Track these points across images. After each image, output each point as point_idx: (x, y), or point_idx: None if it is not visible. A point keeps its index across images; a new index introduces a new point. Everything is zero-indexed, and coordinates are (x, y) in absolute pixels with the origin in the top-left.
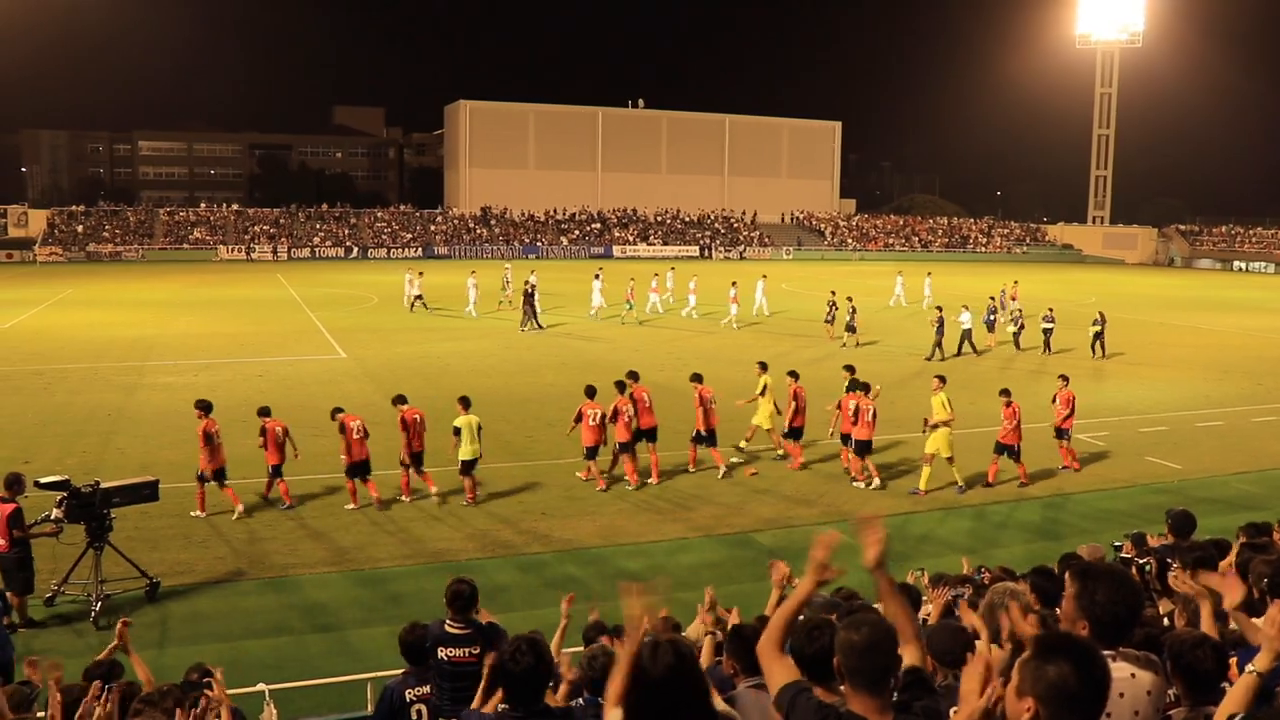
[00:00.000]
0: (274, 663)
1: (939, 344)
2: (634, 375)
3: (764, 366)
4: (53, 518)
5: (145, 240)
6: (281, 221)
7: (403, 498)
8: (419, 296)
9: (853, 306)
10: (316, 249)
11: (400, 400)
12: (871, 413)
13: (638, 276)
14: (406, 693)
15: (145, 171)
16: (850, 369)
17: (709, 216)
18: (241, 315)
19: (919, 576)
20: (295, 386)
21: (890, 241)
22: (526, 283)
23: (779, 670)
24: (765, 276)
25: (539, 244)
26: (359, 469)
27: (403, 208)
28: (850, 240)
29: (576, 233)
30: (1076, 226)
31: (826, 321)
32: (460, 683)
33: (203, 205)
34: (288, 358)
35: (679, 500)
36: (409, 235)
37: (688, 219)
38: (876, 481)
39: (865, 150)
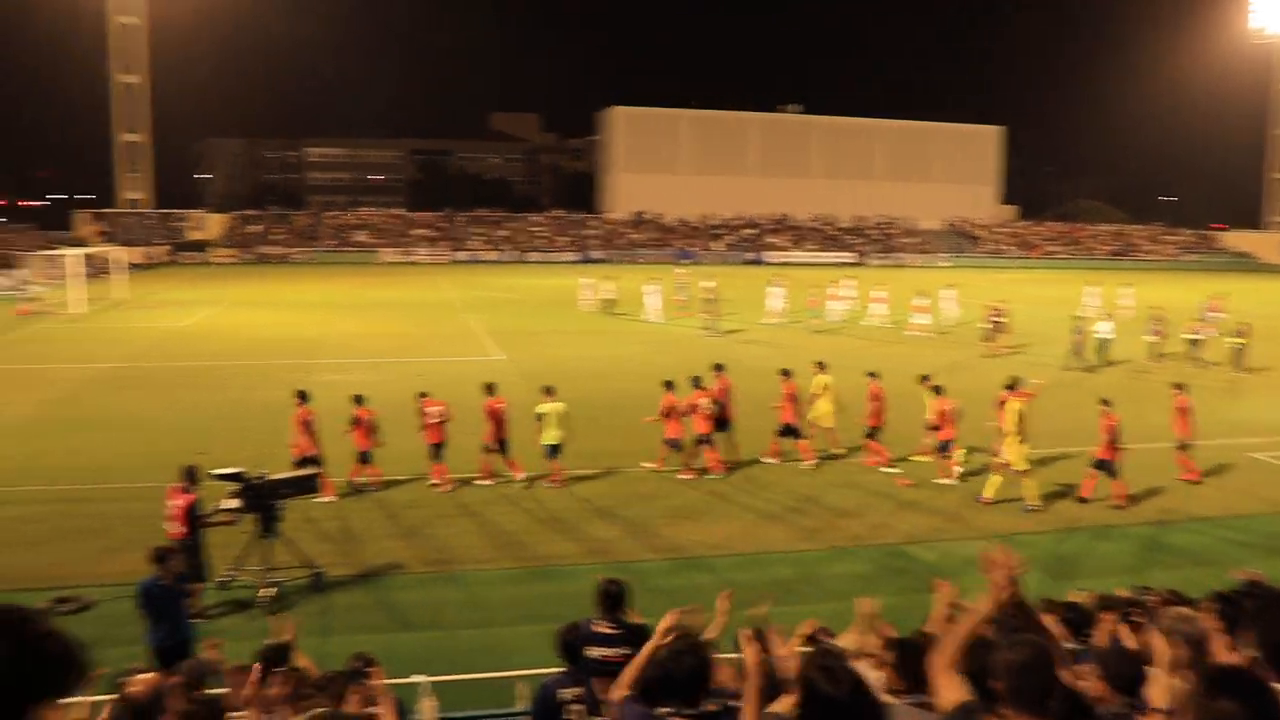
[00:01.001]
0: (427, 656)
1: (1076, 353)
2: (719, 368)
3: (821, 366)
4: (227, 508)
5: (312, 243)
6: (440, 225)
7: (483, 481)
8: (610, 300)
9: (998, 315)
10: (475, 252)
11: (490, 390)
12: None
13: (819, 283)
14: (563, 692)
15: (313, 177)
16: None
17: (863, 222)
18: (403, 316)
19: (1083, 598)
20: (453, 386)
21: (1052, 249)
22: (704, 288)
23: (952, 689)
24: (952, 286)
25: (691, 249)
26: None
27: (557, 212)
28: (1010, 247)
29: (729, 238)
30: (1252, 233)
31: (990, 333)
32: (609, 681)
33: (366, 209)
34: (447, 358)
35: (816, 507)
36: (564, 240)
37: (841, 225)
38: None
39: (1028, 154)
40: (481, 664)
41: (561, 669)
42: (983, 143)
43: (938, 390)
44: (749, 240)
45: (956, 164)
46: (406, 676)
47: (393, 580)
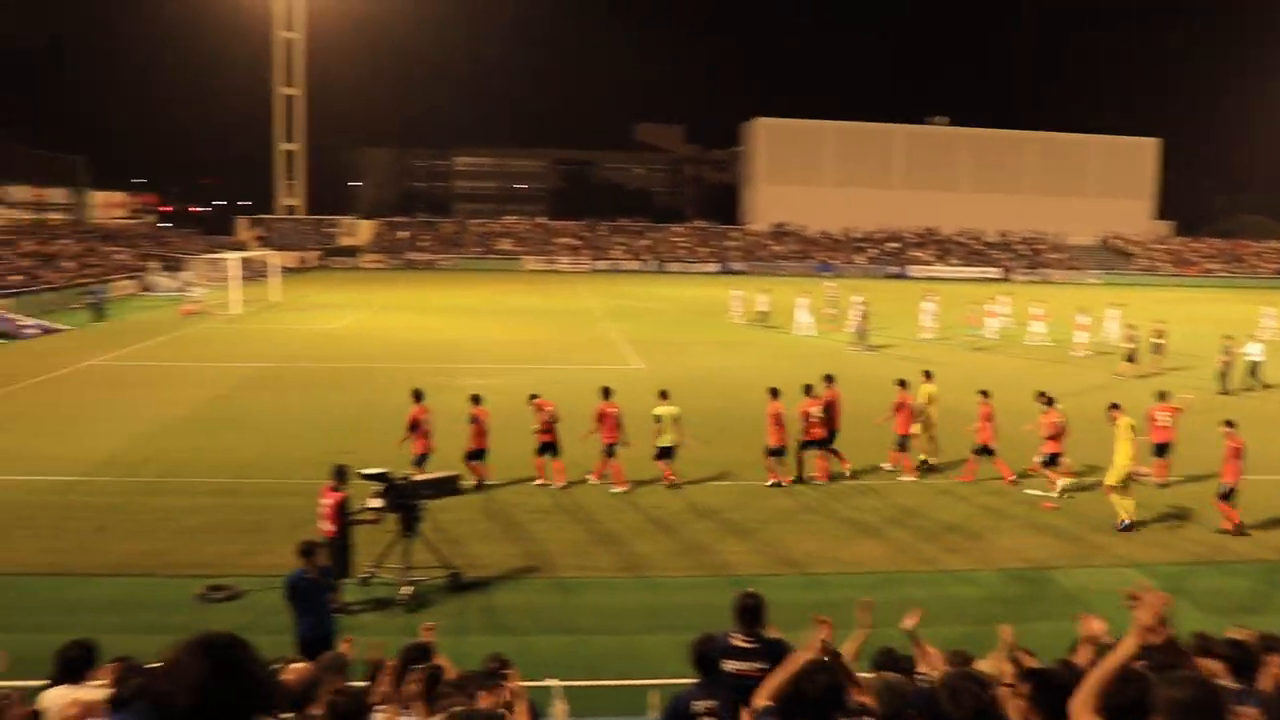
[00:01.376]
0: (560, 660)
1: (1224, 375)
2: (829, 379)
3: (928, 376)
4: (372, 507)
5: (457, 250)
6: (583, 234)
7: (589, 478)
8: (764, 312)
9: (1158, 336)
10: (616, 262)
11: (606, 394)
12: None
13: (976, 299)
14: (696, 704)
15: (460, 185)
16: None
17: (1009, 237)
18: (544, 323)
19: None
20: (591, 394)
21: (1211, 267)
22: (854, 302)
23: None
24: (1116, 305)
25: (833, 262)
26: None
27: (699, 223)
28: (1164, 264)
29: (872, 251)
30: None
31: (1151, 351)
32: (744, 696)
33: (511, 218)
34: (586, 365)
35: (954, 527)
36: (705, 250)
37: (987, 239)
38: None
39: (1186, 168)
40: (615, 671)
41: (695, 680)
42: (1138, 155)
43: (1049, 403)
44: (892, 254)
45: (1110, 177)
46: (540, 679)
47: (528, 583)
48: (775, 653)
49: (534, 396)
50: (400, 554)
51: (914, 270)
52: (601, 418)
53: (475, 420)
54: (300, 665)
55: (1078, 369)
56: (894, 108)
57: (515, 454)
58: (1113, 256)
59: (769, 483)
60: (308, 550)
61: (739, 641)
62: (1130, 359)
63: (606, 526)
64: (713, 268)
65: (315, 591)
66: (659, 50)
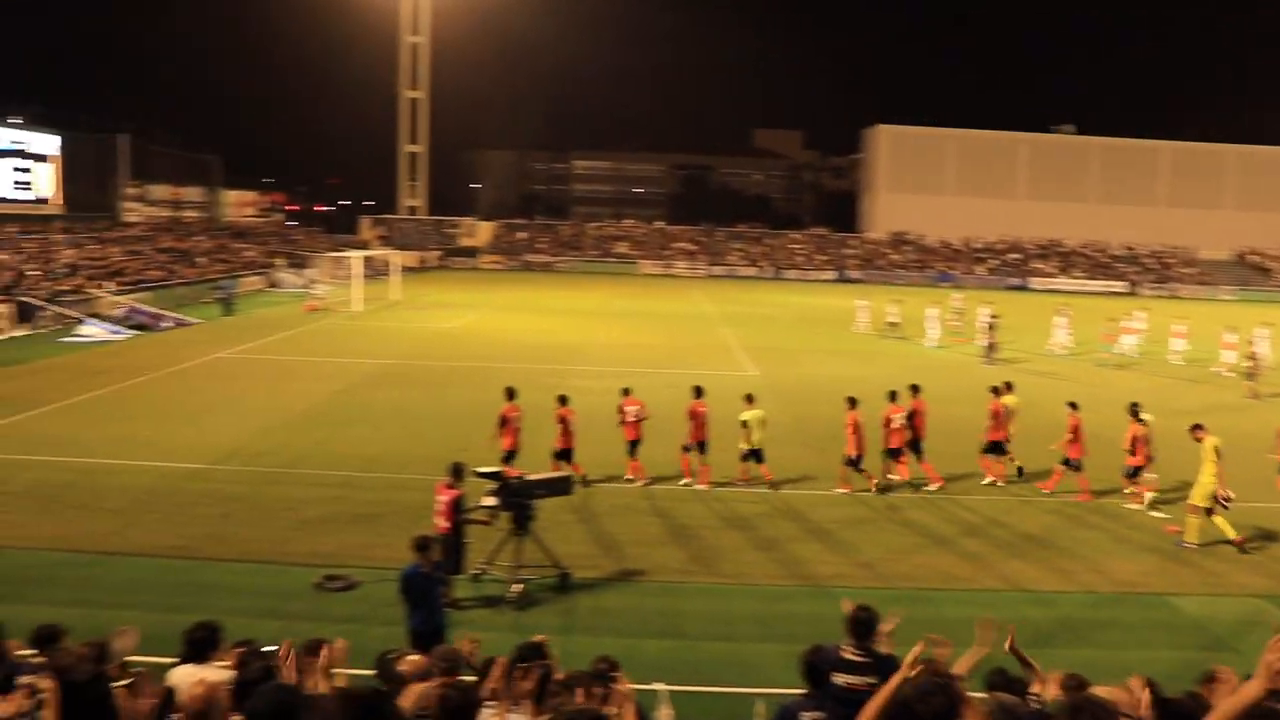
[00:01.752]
0: (667, 664)
1: None
2: (915, 389)
3: (1009, 387)
4: (487, 505)
5: (575, 252)
6: (699, 239)
7: (685, 481)
8: (894, 323)
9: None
10: (732, 267)
11: (697, 393)
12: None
13: (1112, 314)
14: (804, 715)
15: (578, 188)
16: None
17: (1137, 250)
18: (659, 328)
19: None
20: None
21: None
22: (984, 314)
23: None
24: (1266, 324)
25: (953, 272)
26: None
27: (817, 230)
28: None
29: (993, 262)
30: None
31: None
32: (853, 710)
33: (628, 221)
34: (700, 371)
35: (1047, 543)
36: (822, 258)
37: (1113, 252)
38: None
39: None
40: (722, 678)
41: (804, 692)
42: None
43: (1136, 416)
44: (1013, 265)
45: (1248, 189)
46: (646, 683)
47: (637, 586)
48: (886, 668)
49: (626, 391)
50: (511, 552)
51: (1036, 282)
52: (693, 416)
53: (562, 420)
54: (416, 658)
55: (1217, 388)
56: (1018, 115)
57: (645, 456)
58: (1249, 272)
59: (837, 490)
60: (422, 545)
61: (850, 654)
62: (1250, 377)
63: (713, 532)
64: (829, 275)
65: (428, 586)
66: (778, 55)
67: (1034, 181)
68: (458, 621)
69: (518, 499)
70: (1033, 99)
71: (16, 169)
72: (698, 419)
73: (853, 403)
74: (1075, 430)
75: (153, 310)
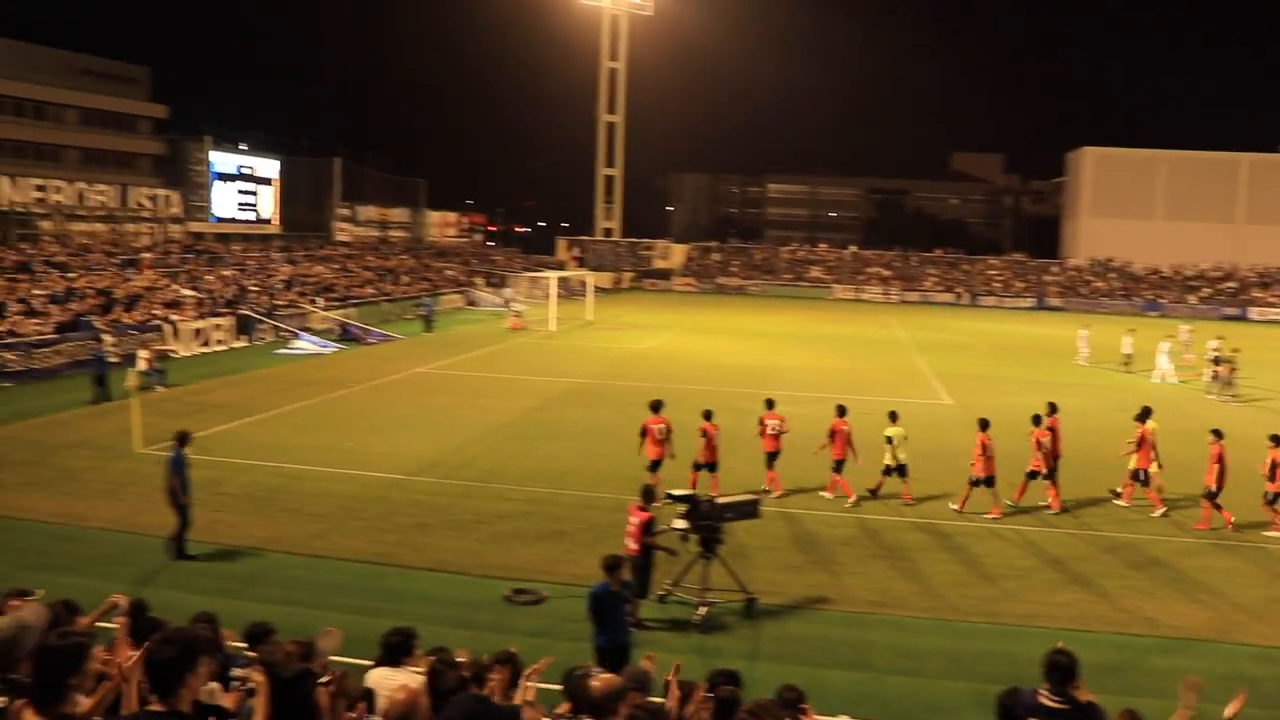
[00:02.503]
0: (853, 697)
1: None
2: (1052, 407)
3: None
4: (677, 529)
5: (768, 276)
6: (894, 264)
7: (824, 493)
8: (1128, 355)
9: None
10: (927, 293)
11: (840, 412)
12: None
13: None
14: None
15: (772, 212)
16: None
17: None
18: (851, 353)
19: None
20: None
21: None
22: (1211, 347)
23: None
24: None
25: (1161, 300)
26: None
27: (1016, 256)
28: None
29: (1205, 290)
30: None
31: None
32: None
33: (822, 245)
34: (892, 398)
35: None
36: (1021, 284)
37: None
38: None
39: None
40: (910, 714)
41: None
42: None
43: (1277, 442)
44: (1229, 294)
45: None
46: (833, 715)
47: (824, 614)
48: (1087, 717)
49: (769, 402)
50: (698, 575)
51: (1255, 313)
52: (834, 435)
53: (705, 435)
54: (609, 676)
55: None
56: (1237, 135)
57: (819, 479)
58: None
59: (989, 515)
60: (612, 565)
61: (1047, 700)
62: None
63: (903, 563)
64: (1028, 302)
65: (616, 605)
66: (977, 78)
67: (1254, 205)
68: (642, 642)
69: (707, 522)
70: (1252, 118)
71: (241, 191)
72: (839, 437)
73: (984, 425)
74: (1217, 459)
75: (359, 325)
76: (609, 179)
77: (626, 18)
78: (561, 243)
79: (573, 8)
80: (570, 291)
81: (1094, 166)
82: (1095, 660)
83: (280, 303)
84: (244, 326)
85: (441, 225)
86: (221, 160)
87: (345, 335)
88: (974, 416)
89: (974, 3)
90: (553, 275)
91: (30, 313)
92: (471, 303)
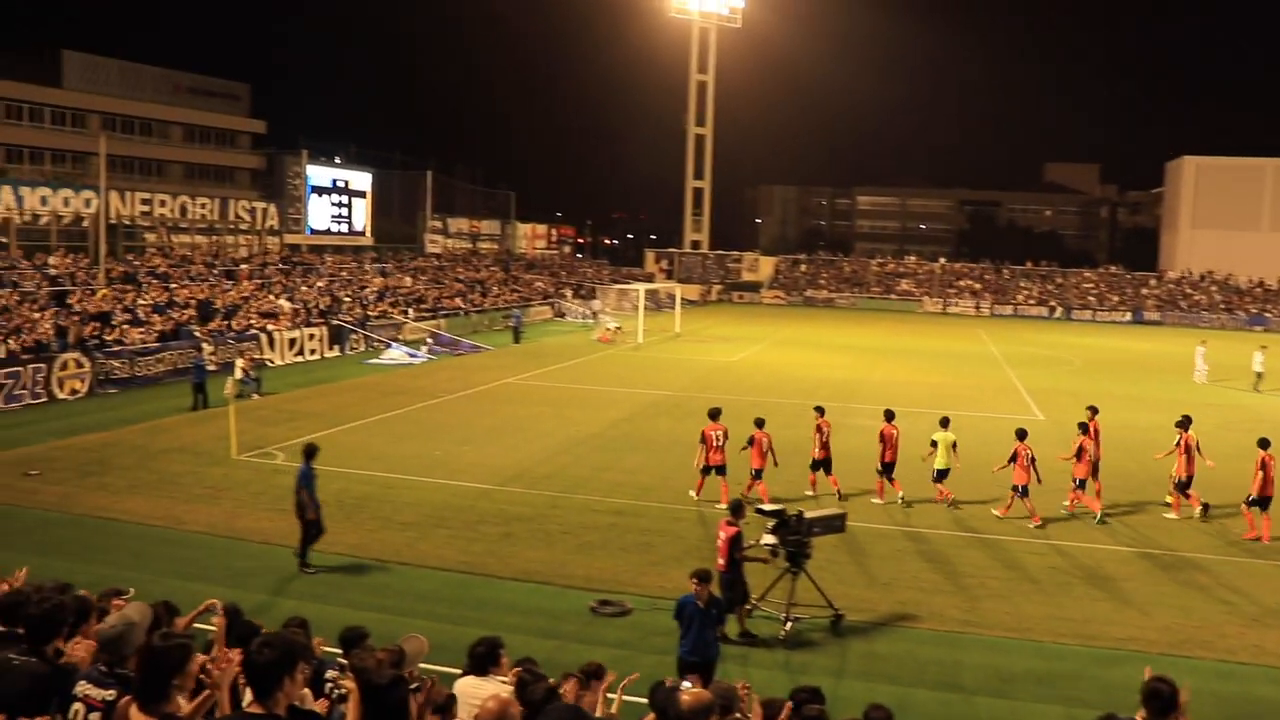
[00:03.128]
0: (941, 717)
1: None
2: (1093, 410)
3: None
4: (766, 544)
5: (856, 289)
6: (986, 277)
7: (875, 499)
8: (1259, 374)
9: None
10: (1019, 306)
11: (889, 416)
12: None
13: None
14: None
15: (861, 224)
16: None
17: None
18: (941, 367)
19: None
20: (986, 443)
21: None
22: None
23: None
24: None
25: (1267, 315)
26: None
27: (1112, 268)
28: None
29: None
30: None
31: None
32: None
33: (911, 258)
34: (982, 413)
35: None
36: (1117, 298)
37: None
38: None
39: None
40: None
41: None
42: None
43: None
44: None
45: None
46: None
47: (912, 632)
48: None
49: (819, 410)
50: (785, 590)
51: None
52: (884, 438)
53: (753, 442)
54: (698, 690)
55: None
56: None
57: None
58: None
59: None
60: (702, 577)
61: None
62: None
63: (993, 581)
64: (1124, 316)
65: (699, 618)
66: (1072, 87)
67: None
68: (728, 656)
69: (795, 536)
70: None
71: (335, 203)
72: (888, 440)
73: (1021, 435)
74: (1263, 467)
75: (449, 336)
76: (697, 191)
77: (715, 30)
78: (649, 255)
79: (662, 21)
80: (658, 304)
81: (1195, 176)
82: (1197, 688)
83: (372, 313)
84: (336, 336)
85: (531, 237)
86: (317, 174)
87: (433, 346)
88: (1067, 433)
89: (1067, 10)
90: (641, 287)
91: (135, 322)
92: (560, 314)
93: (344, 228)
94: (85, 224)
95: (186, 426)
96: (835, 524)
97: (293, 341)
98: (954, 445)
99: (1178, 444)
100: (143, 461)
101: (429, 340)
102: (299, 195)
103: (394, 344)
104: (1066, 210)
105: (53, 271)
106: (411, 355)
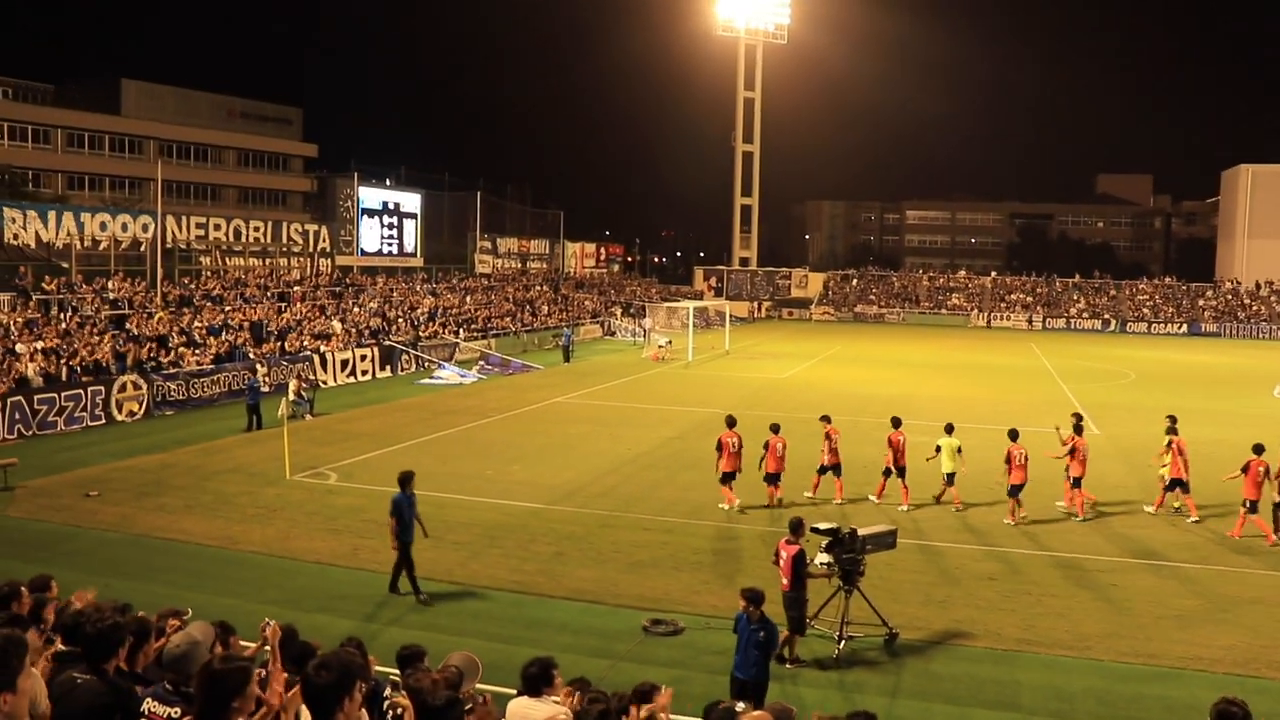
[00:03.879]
0: None
1: None
2: (1077, 420)
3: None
4: (823, 562)
5: (906, 304)
6: (1038, 290)
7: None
8: None
9: None
10: (1072, 320)
11: (948, 430)
12: None
13: None
14: None
15: (910, 239)
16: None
17: None
18: (993, 381)
19: None
20: (1040, 458)
21: None
22: None
23: None
24: None
25: None
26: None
27: (1167, 280)
28: None
29: None
30: None
31: None
32: None
33: (962, 272)
34: (1037, 428)
35: None
36: (1172, 310)
37: None
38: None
39: None
40: None
41: None
42: None
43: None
44: None
45: None
46: None
47: (968, 650)
48: None
49: (825, 419)
50: (839, 608)
51: None
52: (891, 444)
53: (768, 447)
54: (757, 713)
55: None
56: None
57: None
58: None
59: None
60: (752, 596)
61: None
62: None
63: (1051, 599)
64: (1179, 329)
65: (748, 636)
66: (1123, 97)
67: None
68: (784, 676)
69: (850, 554)
70: None
71: (386, 225)
72: (895, 446)
73: (1076, 430)
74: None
75: (500, 356)
76: (745, 208)
77: (761, 47)
78: (699, 272)
79: (708, 39)
80: (707, 321)
81: (1252, 184)
82: (1266, 711)
83: (423, 334)
84: (388, 357)
85: (580, 256)
86: (368, 196)
87: (483, 366)
88: (1121, 448)
89: (1116, 20)
90: (690, 305)
91: (191, 344)
92: (610, 333)
93: (394, 249)
94: (143, 248)
95: (241, 447)
96: (887, 540)
97: (345, 362)
98: (959, 450)
99: (1169, 446)
100: (199, 482)
101: (480, 360)
102: (350, 217)
103: (444, 364)
104: (1119, 222)
105: (112, 295)
106: (462, 375)
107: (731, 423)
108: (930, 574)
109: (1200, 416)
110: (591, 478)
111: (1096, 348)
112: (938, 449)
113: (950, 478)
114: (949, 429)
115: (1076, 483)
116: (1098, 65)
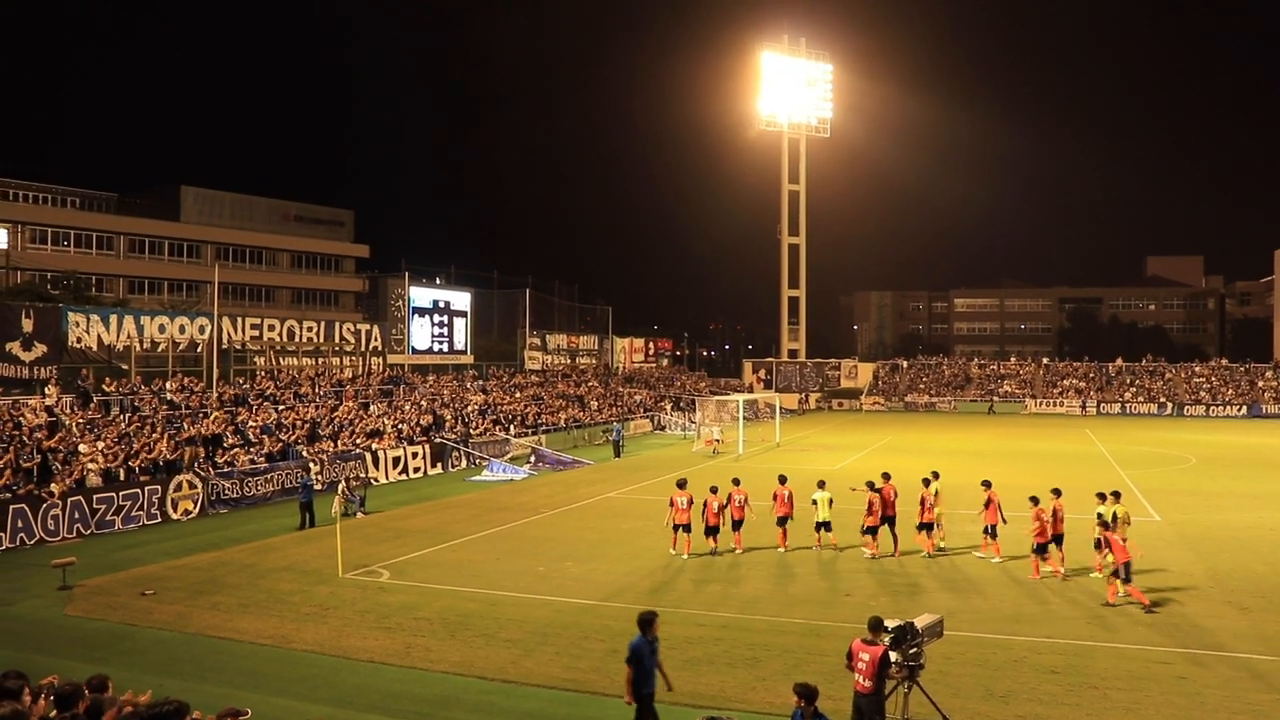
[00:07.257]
0: None
1: None
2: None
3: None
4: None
5: (957, 391)
6: (1090, 375)
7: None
8: None
9: None
10: (1127, 404)
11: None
12: None
13: None
14: None
15: (959, 327)
16: None
17: None
18: (1047, 469)
19: None
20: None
21: None
22: None
23: None
24: None
25: None
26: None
27: (1223, 362)
28: None
29: None
30: None
31: None
32: None
33: (1012, 359)
34: (1091, 516)
35: None
36: (1231, 392)
37: None
38: None
39: None
40: None
41: None
42: None
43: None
44: None
45: None
46: None
47: None
48: None
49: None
50: (897, 703)
51: None
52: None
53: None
54: None
55: None
56: None
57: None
58: None
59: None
60: (804, 693)
61: None
62: None
63: (1122, 691)
64: (1238, 411)
65: None
66: (1170, 179)
67: None
68: None
69: (915, 649)
70: None
71: (436, 323)
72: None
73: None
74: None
75: (551, 452)
76: (793, 300)
77: (804, 140)
78: (747, 365)
79: (752, 135)
80: (757, 414)
81: None
82: None
83: (474, 430)
84: (439, 454)
85: (629, 350)
86: (418, 295)
87: (534, 462)
88: (1185, 534)
89: (1160, 102)
90: (739, 398)
91: (245, 443)
92: (660, 427)
93: (445, 347)
94: (199, 349)
95: (294, 545)
96: (938, 630)
97: (396, 460)
98: (830, 502)
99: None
100: (252, 580)
101: (532, 458)
102: (401, 316)
103: (494, 461)
104: (1172, 304)
105: (169, 396)
106: (514, 472)
107: (682, 484)
108: (991, 666)
109: (1257, 501)
110: (644, 573)
111: (1154, 432)
112: (814, 502)
113: (822, 525)
114: (821, 484)
115: (991, 530)
116: (1144, 148)
